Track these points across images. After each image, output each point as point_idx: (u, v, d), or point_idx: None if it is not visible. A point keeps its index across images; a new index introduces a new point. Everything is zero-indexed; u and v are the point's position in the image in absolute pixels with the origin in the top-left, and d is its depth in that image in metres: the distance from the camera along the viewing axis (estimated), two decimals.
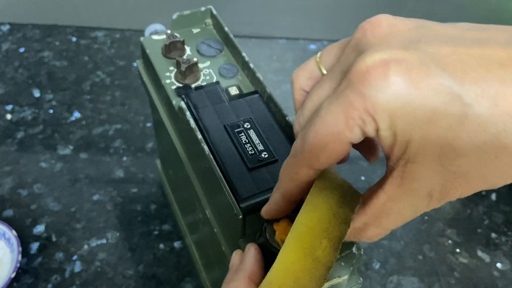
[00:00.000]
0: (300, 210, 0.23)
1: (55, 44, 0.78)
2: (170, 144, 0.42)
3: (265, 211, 0.27)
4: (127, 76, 0.74)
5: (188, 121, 0.35)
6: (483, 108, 0.17)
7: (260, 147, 0.33)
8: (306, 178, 0.23)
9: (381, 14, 0.22)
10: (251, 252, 0.28)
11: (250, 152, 0.33)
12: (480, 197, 0.62)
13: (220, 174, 0.31)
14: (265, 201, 0.29)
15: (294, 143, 0.23)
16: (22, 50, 0.77)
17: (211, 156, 0.32)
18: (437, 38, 0.19)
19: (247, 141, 0.33)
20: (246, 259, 0.27)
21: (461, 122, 0.17)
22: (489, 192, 0.63)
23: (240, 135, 0.34)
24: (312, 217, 0.23)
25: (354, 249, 0.29)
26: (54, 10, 0.80)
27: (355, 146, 0.26)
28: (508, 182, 0.19)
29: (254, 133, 0.34)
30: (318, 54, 0.26)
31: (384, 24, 0.21)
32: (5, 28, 0.81)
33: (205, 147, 0.33)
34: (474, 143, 0.18)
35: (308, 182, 0.23)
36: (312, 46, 0.82)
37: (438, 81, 0.17)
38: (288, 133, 0.34)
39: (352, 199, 0.23)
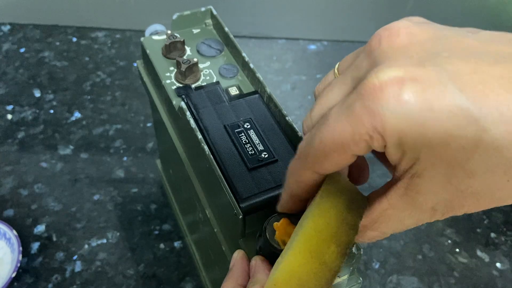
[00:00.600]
0: (308, 213, 0.23)
1: (56, 44, 0.79)
2: (170, 144, 0.42)
3: (279, 208, 0.27)
4: (128, 76, 0.74)
5: (188, 121, 0.35)
6: (499, 132, 0.16)
7: (260, 147, 0.33)
8: (311, 181, 0.23)
9: (400, 21, 0.21)
10: (238, 259, 0.29)
11: (250, 152, 0.33)
12: None
13: (220, 174, 0.31)
14: (265, 201, 0.29)
15: (300, 144, 0.23)
16: (22, 50, 0.77)
17: (211, 156, 0.32)
18: (458, 53, 0.18)
19: (247, 141, 0.33)
20: (233, 266, 0.29)
21: (475, 146, 0.17)
22: None
23: (240, 135, 0.34)
24: (321, 221, 0.22)
25: (353, 249, 0.29)
26: (55, 10, 0.80)
27: None
28: None
29: (254, 133, 0.34)
30: (337, 65, 0.25)
31: (402, 33, 0.20)
32: (6, 28, 0.81)
33: (205, 147, 0.33)
34: (487, 166, 0.17)
35: (314, 185, 0.23)
36: (312, 46, 0.82)
37: (455, 103, 0.17)
38: (288, 133, 0.35)
39: (360, 205, 0.23)
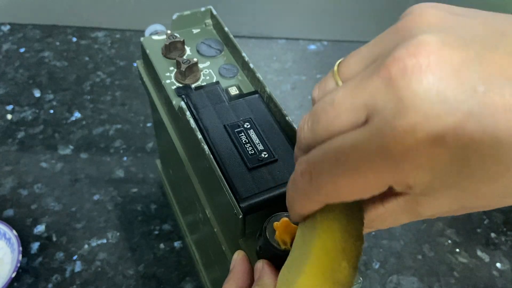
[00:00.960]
0: (311, 232, 0.23)
1: (56, 44, 0.79)
2: (170, 144, 0.42)
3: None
4: (128, 76, 0.74)
5: (188, 121, 0.35)
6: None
7: (260, 147, 0.33)
8: (313, 209, 0.22)
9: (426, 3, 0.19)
10: (238, 260, 0.29)
11: (250, 152, 0.33)
12: None
13: (220, 174, 0.31)
14: (265, 200, 0.29)
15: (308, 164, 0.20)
16: (22, 50, 0.77)
17: (211, 156, 0.32)
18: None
19: (247, 141, 0.33)
20: (233, 267, 0.29)
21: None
22: None
23: (240, 135, 0.34)
24: (327, 239, 0.22)
25: None
26: (55, 10, 0.80)
27: None
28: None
29: (254, 133, 0.34)
30: (336, 66, 0.21)
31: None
32: (6, 28, 0.81)
33: (205, 147, 0.33)
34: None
35: (315, 210, 0.22)
36: (312, 46, 0.82)
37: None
38: (288, 132, 0.35)
39: (358, 209, 0.23)
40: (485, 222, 0.60)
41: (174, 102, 0.38)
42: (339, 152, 0.18)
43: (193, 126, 0.34)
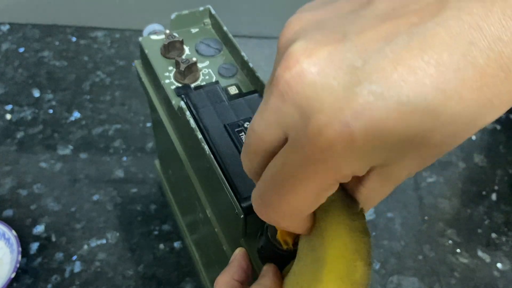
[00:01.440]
0: (320, 240, 0.22)
1: (55, 44, 0.78)
2: (169, 144, 0.42)
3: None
4: (127, 76, 0.74)
5: (188, 121, 0.34)
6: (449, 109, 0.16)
7: None
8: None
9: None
10: (238, 255, 0.29)
11: None
12: (480, 197, 0.62)
13: (221, 174, 0.31)
14: None
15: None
16: (21, 50, 0.77)
17: (212, 156, 0.32)
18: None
19: None
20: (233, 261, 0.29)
21: (433, 129, 0.17)
22: (489, 192, 0.63)
23: (240, 134, 0.34)
24: (339, 245, 0.22)
25: None
26: (54, 10, 0.80)
27: None
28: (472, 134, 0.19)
29: None
30: None
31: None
32: (5, 28, 0.80)
33: (206, 147, 0.33)
34: (443, 136, 0.17)
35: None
36: None
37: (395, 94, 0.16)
38: None
39: (354, 203, 0.23)
40: (486, 222, 0.60)
41: (173, 102, 0.37)
42: (275, 175, 0.19)
43: (193, 126, 0.34)
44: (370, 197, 0.22)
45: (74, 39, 0.80)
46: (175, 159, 0.42)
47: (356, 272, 0.22)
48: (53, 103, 0.70)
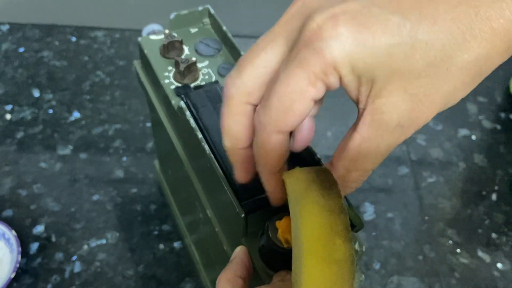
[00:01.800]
0: (297, 224, 0.23)
1: (55, 44, 0.78)
2: (169, 144, 0.42)
3: (271, 201, 0.28)
4: (127, 76, 0.74)
5: (188, 121, 0.34)
6: (425, 28, 0.19)
7: None
8: (278, 145, 0.24)
9: None
10: (239, 253, 0.30)
11: None
12: (480, 197, 0.62)
13: (222, 173, 0.31)
14: (267, 199, 0.29)
15: (256, 120, 0.23)
16: (21, 50, 0.77)
17: (212, 155, 0.32)
18: None
19: None
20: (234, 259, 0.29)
21: (413, 46, 0.20)
22: (489, 192, 0.63)
23: None
24: (313, 225, 0.22)
25: (356, 246, 0.29)
26: (54, 10, 0.80)
27: None
28: (463, 95, 0.22)
29: None
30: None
31: None
32: (5, 28, 0.80)
33: (206, 147, 0.33)
34: (426, 61, 0.20)
35: (282, 149, 0.24)
36: None
37: (383, 18, 0.20)
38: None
39: (329, 181, 0.23)
40: (486, 222, 0.60)
41: (173, 102, 0.37)
42: (275, 79, 0.22)
43: (193, 126, 0.34)
44: (362, 149, 0.23)
45: (74, 39, 0.79)
46: (175, 159, 0.42)
47: (337, 251, 0.22)
48: (53, 103, 0.70)
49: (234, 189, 0.31)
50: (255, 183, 0.31)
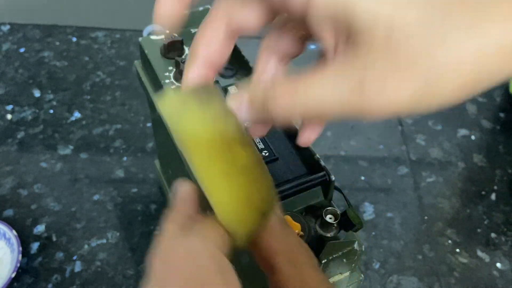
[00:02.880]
0: (184, 150, 0.21)
1: (55, 44, 0.79)
2: (170, 144, 0.42)
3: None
4: (127, 76, 0.74)
5: None
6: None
7: (261, 146, 0.33)
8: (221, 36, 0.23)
9: None
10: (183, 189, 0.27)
11: None
12: (479, 197, 0.63)
13: None
14: None
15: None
16: (22, 50, 0.77)
17: None
18: None
19: None
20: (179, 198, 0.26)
21: None
22: (488, 192, 0.63)
23: None
24: (200, 142, 0.20)
25: (355, 246, 0.29)
26: (54, 10, 0.80)
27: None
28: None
29: None
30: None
31: None
32: (5, 28, 0.81)
33: None
34: None
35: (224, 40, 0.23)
36: (312, 46, 0.82)
37: None
38: (287, 131, 0.35)
39: (207, 92, 0.21)
40: (485, 222, 0.60)
41: None
42: None
43: None
44: (317, 82, 0.19)
45: (74, 39, 0.80)
46: (176, 159, 0.42)
47: (238, 158, 0.20)
48: (54, 103, 0.70)
49: None
50: None
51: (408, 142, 0.68)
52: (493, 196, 0.63)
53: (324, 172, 0.31)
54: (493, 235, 0.59)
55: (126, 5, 0.79)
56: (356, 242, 0.30)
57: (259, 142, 0.33)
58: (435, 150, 0.68)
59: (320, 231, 0.30)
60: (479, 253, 0.57)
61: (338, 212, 0.30)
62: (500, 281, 0.55)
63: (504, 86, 0.76)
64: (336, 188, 0.32)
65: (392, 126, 0.70)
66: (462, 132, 0.70)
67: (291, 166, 0.32)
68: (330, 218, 0.30)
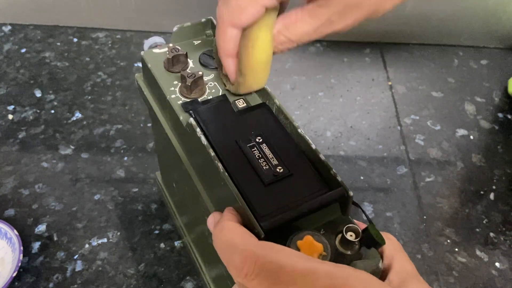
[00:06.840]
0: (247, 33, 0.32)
1: (57, 45, 0.79)
2: (175, 159, 0.40)
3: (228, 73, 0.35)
4: (128, 77, 0.74)
5: (199, 138, 0.33)
6: None
7: (274, 162, 0.32)
8: (234, 36, 0.32)
9: None
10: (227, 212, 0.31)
11: (264, 167, 0.32)
12: (478, 196, 0.63)
13: (237, 192, 0.30)
14: (286, 217, 0.28)
15: (218, 14, 0.31)
16: (23, 50, 0.78)
17: (226, 173, 0.31)
18: None
19: (260, 155, 0.32)
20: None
21: None
22: (487, 191, 0.63)
23: (252, 150, 0.33)
24: (260, 24, 0.32)
25: (380, 264, 0.29)
26: (56, 10, 0.81)
27: None
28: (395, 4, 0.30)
29: (266, 147, 0.33)
30: None
31: None
32: (7, 28, 0.81)
33: (219, 165, 0.31)
34: None
35: (237, 39, 0.32)
36: (312, 47, 0.82)
37: None
38: (300, 145, 0.33)
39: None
40: (484, 221, 0.60)
41: (181, 118, 0.36)
42: None
43: (205, 143, 0.32)
44: (295, 24, 0.32)
45: (75, 39, 0.80)
46: (182, 174, 0.40)
47: (270, 26, 0.32)
48: (55, 103, 0.70)
49: (251, 208, 0.29)
50: (272, 200, 0.30)
51: (407, 142, 0.68)
52: (491, 196, 0.63)
53: (342, 187, 0.30)
54: (492, 234, 0.59)
55: (127, 5, 0.80)
56: (380, 260, 0.29)
57: (273, 158, 0.32)
58: (434, 150, 0.68)
59: (341, 249, 0.29)
60: (478, 252, 0.57)
61: (359, 230, 0.29)
62: (499, 280, 0.55)
63: (503, 87, 0.77)
64: (354, 203, 0.31)
65: (391, 126, 0.70)
66: (461, 132, 0.70)
67: (307, 182, 0.31)
68: (351, 236, 0.29)
